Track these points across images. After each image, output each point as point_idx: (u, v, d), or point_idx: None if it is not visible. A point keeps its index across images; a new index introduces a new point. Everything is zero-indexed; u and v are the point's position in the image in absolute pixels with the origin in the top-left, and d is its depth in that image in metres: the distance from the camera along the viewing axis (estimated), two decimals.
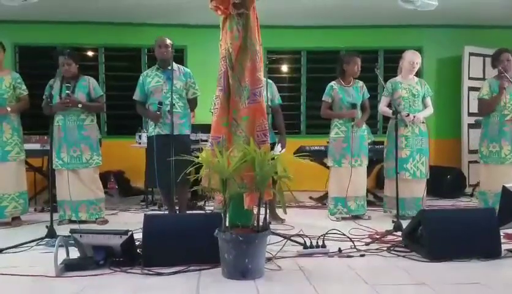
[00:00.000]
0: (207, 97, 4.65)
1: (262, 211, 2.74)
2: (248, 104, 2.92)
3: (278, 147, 4.20)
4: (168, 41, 4.16)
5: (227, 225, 2.69)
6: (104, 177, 5.14)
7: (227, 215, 2.71)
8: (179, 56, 6.31)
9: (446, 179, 5.85)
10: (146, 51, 6.63)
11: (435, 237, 2.95)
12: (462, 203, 5.47)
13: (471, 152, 6.39)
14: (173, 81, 3.88)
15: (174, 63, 4.20)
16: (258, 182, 2.67)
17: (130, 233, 2.80)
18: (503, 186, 3.04)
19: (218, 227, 2.62)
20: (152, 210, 4.93)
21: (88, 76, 4.39)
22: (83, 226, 3.73)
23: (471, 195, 5.93)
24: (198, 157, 2.71)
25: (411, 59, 4.47)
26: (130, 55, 6.72)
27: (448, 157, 6.55)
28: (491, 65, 4.38)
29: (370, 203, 5.23)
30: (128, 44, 6.62)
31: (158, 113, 4.01)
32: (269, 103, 4.32)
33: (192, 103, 4.28)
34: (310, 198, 5.77)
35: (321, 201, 5.42)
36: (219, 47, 3.05)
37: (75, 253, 2.86)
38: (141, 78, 4.27)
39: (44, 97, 4.17)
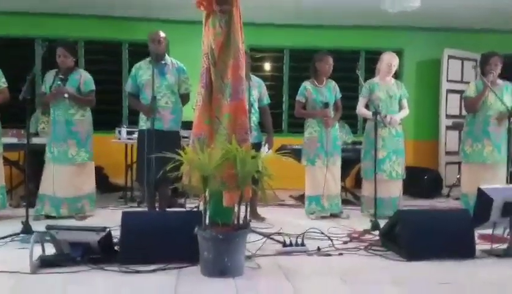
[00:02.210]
0: (193, 88, 4.60)
1: (242, 209, 2.75)
2: (231, 102, 2.91)
3: (265, 148, 4.27)
4: (162, 35, 4.11)
5: (207, 223, 2.69)
6: None
7: (207, 213, 2.70)
8: None
9: (423, 180, 5.96)
10: (127, 45, 6.54)
11: (412, 237, 3.01)
12: (438, 203, 5.57)
13: (448, 153, 6.52)
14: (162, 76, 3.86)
15: (167, 57, 4.20)
16: (239, 181, 2.67)
17: (108, 230, 2.77)
18: (479, 188, 3.11)
19: (198, 225, 2.61)
20: (131, 207, 4.87)
21: (82, 70, 4.36)
22: (61, 222, 3.68)
23: (448, 196, 6.06)
24: (179, 154, 2.69)
25: (389, 60, 4.54)
26: (111, 49, 6.61)
27: (425, 158, 6.67)
28: (479, 68, 4.42)
29: (349, 202, 5.31)
30: (109, 38, 6.51)
31: (151, 106, 3.89)
32: (258, 103, 4.34)
33: (184, 99, 4.25)
34: (291, 196, 5.80)
35: (301, 200, 5.45)
36: (202, 43, 3.02)
37: (51, 250, 2.81)
38: (133, 70, 4.22)
39: (41, 89, 4.23)
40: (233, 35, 2.87)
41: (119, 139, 5.27)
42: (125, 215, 2.86)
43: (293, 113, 6.63)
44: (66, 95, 4.12)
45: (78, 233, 2.78)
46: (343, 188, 5.50)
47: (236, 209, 2.75)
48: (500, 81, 4.38)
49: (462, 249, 3.02)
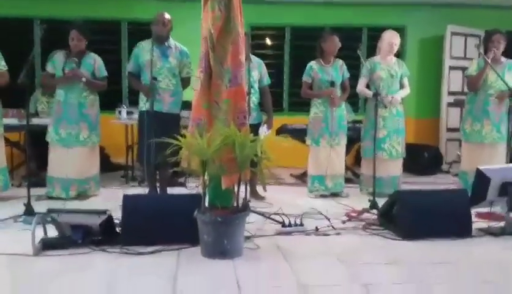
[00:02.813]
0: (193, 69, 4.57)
1: (242, 191, 2.77)
2: (230, 87, 2.91)
3: (264, 128, 4.28)
4: (167, 17, 4.07)
5: (206, 206, 2.72)
6: None
7: (206, 196, 2.73)
8: None
9: (423, 157, 5.98)
10: (127, 24, 6.46)
11: (410, 217, 3.05)
12: (438, 180, 5.61)
13: (449, 130, 6.50)
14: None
15: (171, 40, 4.18)
16: (238, 164, 2.69)
17: (109, 212, 2.81)
18: (477, 168, 3.13)
19: (198, 208, 2.65)
20: (133, 186, 4.92)
21: (95, 54, 4.35)
22: (66, 204, 3.72)
23: (448, 172, 6.09)
24: (178, 137, 2.70)
25: (390, 39, 4.48)
26: (109, 28, 6.53)
27: (426, 135, 6.66)
28: (483, 45, 4.38)
29: (348, 180, 5.31)
30: (107, 17, 6.43)
31: (151, 87, 3.87)
32: (258, 83, 4.33)
33: (185, 82, 4.23)
34: (291, 175, 5.83)
35: (302, 178, 5.49)
36: (200, 26, 2.99)
37: (53, 232, 2.86)
38: (135, 49, 4.18)
39: (47, 69, 4.24)
40: (232, 20, 2.84)
41: (119, 119, 5.27)
42: (126, 198, 2.90)
43: (294, 92, 6.63)
44: (84, 80, 4.13)
45: (79, 215, 2.83)
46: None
47: (235, 191, 2.78)
48: (503, 59, 4.33)
49: (459, 228, 3.06)
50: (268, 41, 7.02)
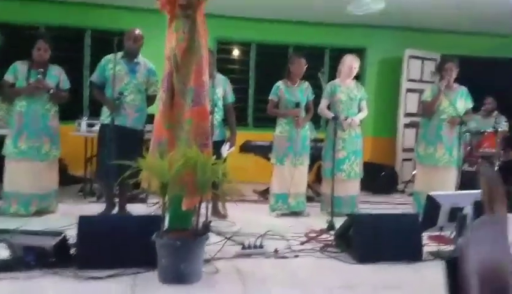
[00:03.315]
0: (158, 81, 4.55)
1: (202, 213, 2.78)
2: (193, 107, 2.92)
3: (227, 146, 4.30)
4: (138, 34, 4.06)
5: (165, 229, 2.71)
6: None
7: (165, 219, 2.72)
8: None
9: (380, 176, 6.18)
10: (90, 32, 6.34)
11: (363, 240, 3.15)
12: (394, 198, 5.81)
13: (405, 150, 6.77)
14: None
15: (140, 56, 4.16)
16: (199, 186, 2.70)
17: (64, 234, 2.74)
18: (428, 194, 3.27)
19: (156, 231, 2.63)
20: (91, 202, 4.80)
21: (58, 66, 4.25)
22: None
23: (403, 191, 6.32)
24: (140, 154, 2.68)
25: (350, 63, 4.65)
26: (72, 36, 6.38)
27: (383, 154, 6.90)
28: (436, 69, 4.62)
29: (310, 199, 5.41)
30: (70, 24, 6.28)
31: (117, 102, 3.90)
32: (222, 100, 4.36)
33: (151, 100, 4.20)
34: (254, 191, 5.87)
35: (264, 195, 5.54)
36: (164, 45, 3.00)
37: (5, 252, 2.74)
38: (103, 61, 4.12)
39: (5, 78, 4.07)
40: (196, 41, 2.87)
41: (79, 131, 5.15)
42: (81, 219, 2.83)
43: (259, 107, 6.70)
44: (51, 91, 4.04)
45: (32, 237, 2.74)
46: None
47: (195, 214, 2.78)
48: (455, 85, 4.57)
49: (411, 252, 3.18)
50: (234, 55, 7.08)
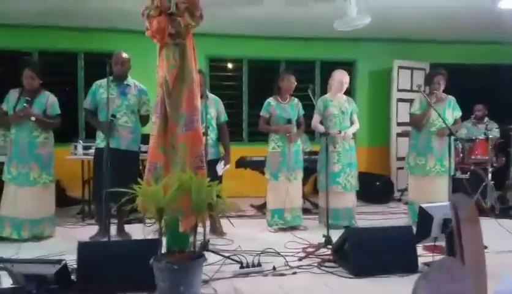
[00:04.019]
0: (151, 102, 4.61)
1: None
2: (186, 132, 2.98)
3: (221, 164, 4.37)
4: (125, 57, 4.15)
5: (163, 252, 2.75)
6: None
7: (162, 243, 2.77)
8: None
9: (375, 186, 6.25)
10: (83, 55, 6.42)
11: (359, 254, 3.20)
12: (390, 208, 5.87)
13: (399, 159, 6.84)
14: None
15: (130, 78, 4.25)
16: (194, 209, 2.75)
17: (64, 261, 2.78)
18: (420, 206, 3.33)
19: (154, 255, 2.68)
20: (89, 224, 4.84)
21: (49, 93, 4.30)
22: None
23: (399, 200, 6.38)
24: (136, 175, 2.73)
25: (341, 78, 4.74)
26: (66, 60, 6.46)
27: (378, 163, 6.98)
28: (424, 82, 4.72)
29: (308, 211, 5.48)
30: (64, 48, 6.37)
31: (110, 125, 3.93)
32: (215, 120, 4.43)
33: (144, 120, 4.30)
34: (251, 206, 5.92)
35: (262, 209, 5.59)
36: (156, 72, 3.07)
37: (7, 280, 2.78)
38: (94, 86, 4.22)
39: (1, 106, 4.17)
40: (186, 67, 2.94)
41: (75, 154, 5.19)
42: (81, 245, 2.88)
43: (253, 122, 6.77)
44: (33, 119, 4.08)
45: (33, 265, 2.78)
46: (302, 196, 5.68)
47: (192, 236, 2.83)
48: (443, 96, 4.65)
49: (406, 264, 3.23)
50: (227, 72, 7.17)
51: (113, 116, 3.98)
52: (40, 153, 4.18)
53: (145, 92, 4.27)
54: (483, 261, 1.37)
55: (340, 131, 4.65)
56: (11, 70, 4.32)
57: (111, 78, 4.09)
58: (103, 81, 4.16)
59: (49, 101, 4.25)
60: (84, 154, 5.11)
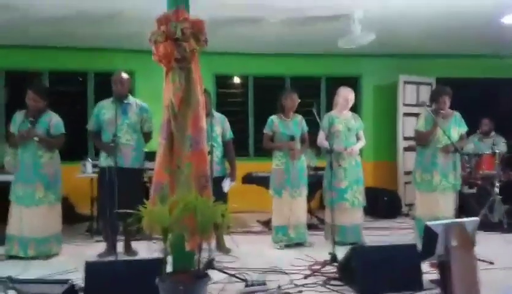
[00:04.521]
0: (157, 121, 4.68)
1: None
2: (191, 151, 3.03)
3: (227, 181, 4.41)
4: (124, 77, 4.24)
5: (168, 272, 2.78)
6: None
7: (168, 262, 2.80)
8: None
9: (383, 201, 6.24)
10: (93, 75, 6.55)
11: (365, 273, 3.20)
12: (397, 224, 5.86)
13: (406, 173, 6.82)
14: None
15: (131, 97, 4.36)
16: (199, 229, 2.78)
17: (70, 281, 2.83)
18: (425, 225, 3.32)
19: (159, 275, 2.71)
20: (97, 241, 4.88)
21: (53, 113, 4.38)
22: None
23: (407, 215, 6.35)
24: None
25: (346, 95, 4.79)
26: (77, 79, 6.61)
27: (385, 178, 6.97)
28: (429, 100, 4.73)
29: (314, 227, 5.48)
30: (74, 68, 6.52)
31: (112, 144, 4.02)
32: (221, 137, 4.49)
33: (147, 137, 4.39)
34: (258, 221, 5.94)
35: (268, 225, 5.60)
36: (162, 94, 3.14)
37: None
38: (96, 109, 4.34)
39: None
40: (192, 90, 3.00)
41: (84, 173, 5.28)
42: (88, 265, 2.93)
43: (259, 137, 6.83)
44: (36, 139, 4.17)
45: (41, 285, 2.83)
46: (309, 212, 5.69)
47: (196, 255, 2.86)
48: (449, 111, 4.65)
49: (411, 282, 3.23)
50: (233, 88, 7.27)
51: (114, 135, 4.02)
52: (45, 173, 4.23)
53: (146, 109, 4.35)
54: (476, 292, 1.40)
55: (346, 148, 4.67)
56: (21, 91, 4.40)
57: (111, 98, 4.23)
58: (105, 102, 4.31)
59: (52, 121, 4.31)
60: (93, 172, 5.18)
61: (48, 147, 4.28)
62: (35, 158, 4.22)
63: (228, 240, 4.39)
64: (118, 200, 3.70)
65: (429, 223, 3.32)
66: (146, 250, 4.02)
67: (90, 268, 2.92)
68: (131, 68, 6.44)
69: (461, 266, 1.32)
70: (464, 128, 4.67)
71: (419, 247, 3.40)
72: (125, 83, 4.23)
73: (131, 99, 4.32)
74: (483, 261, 3.75)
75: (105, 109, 4.23)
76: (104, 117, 4.21)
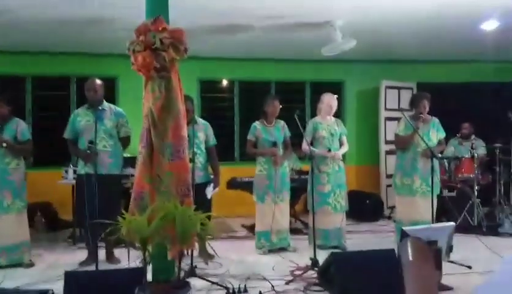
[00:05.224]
0: (139, 126, 4.68)
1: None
2: (172, 161, 3.03)
3: (210, 187, 4.43)
4: (98, 83, 4.24)
5: (148, 281, 2.79)
6: (30, 210, 4.95)
7: (148, 271, 2.81)
8: (110, 86, 6.26)
9: (365, 204, 6.32)
10: (75, 80, 6.51)
11: (344, 279, 3.23)
12: (379, 226, 5.96)
13: (388, 176, 6.91)
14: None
15: (105, 103, 4.34)
16: (179, 238, 2.79)
17: (51, 291, 2.83)
18: (402, 229, 3.38)
19: (139, 285, 2.71)
20: (80, 248, 4.85)
21: (18, 119, 4.35)
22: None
23: (389, 218, 6.43)
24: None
25: (329, 102, 4.85)
26: (59, 84, 6.56)
27: (367, 181, 7.06)
28: (409, 105, 4.81)
29: (298, 231, 5.53)
30: (57, 73, 6.46)
31: (89, 151, 4.03)
32: (204, 144, 4.51)
33: (125, 142, 4.37)
34: (243, 226, 5.96)
35: (253, 230, 5.61)
36: (142, 104, 3.15)
37: None
38: (72, 116, 4.35)
39: None
40: (172, 99, 3.01)
41: (66, 179, 5.25)
42: (68, 275, 2.91)
43: (244, 142, 6.85)
44: (4, 145, 4.12)
45: None
46: (293, 216, 5.74)
47: (177, 264, 2.87)
48: (428, 117, 4.73)
49: (391, 288, 3.27)
50: (219, 93, 7.28)
51: (90, 142, 4.01)
52: (12, 179, 4.17)
53: (122, 114, 4.35)
54: None
55: (330, 150, 4.73)
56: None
57: (86, 105, 4.26)
58: (80, 110, 4.34)
59: (19, 127, 4.26)
60: (75, 179, 5.14)
61: (17, 153, 4.22)
62: (3, 164, 4.15)
63: (208, 248, 4.39)
64: (97, 207, 3.69)
65: (405, 228, 3.39)
66: (129, 258, 4.00)
67: (70, 278, 2.91)
68: (115, 73, 6.45)
69: (415, 282, 1.35)
70: (442, 134, 4.76)
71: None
72: (99, 90, 4.23)
73: (105, 105, 4.32)
74: (461, 265, 3.83)
75: (80, 117, 4.24)
76: (79, 125, 4.22)
